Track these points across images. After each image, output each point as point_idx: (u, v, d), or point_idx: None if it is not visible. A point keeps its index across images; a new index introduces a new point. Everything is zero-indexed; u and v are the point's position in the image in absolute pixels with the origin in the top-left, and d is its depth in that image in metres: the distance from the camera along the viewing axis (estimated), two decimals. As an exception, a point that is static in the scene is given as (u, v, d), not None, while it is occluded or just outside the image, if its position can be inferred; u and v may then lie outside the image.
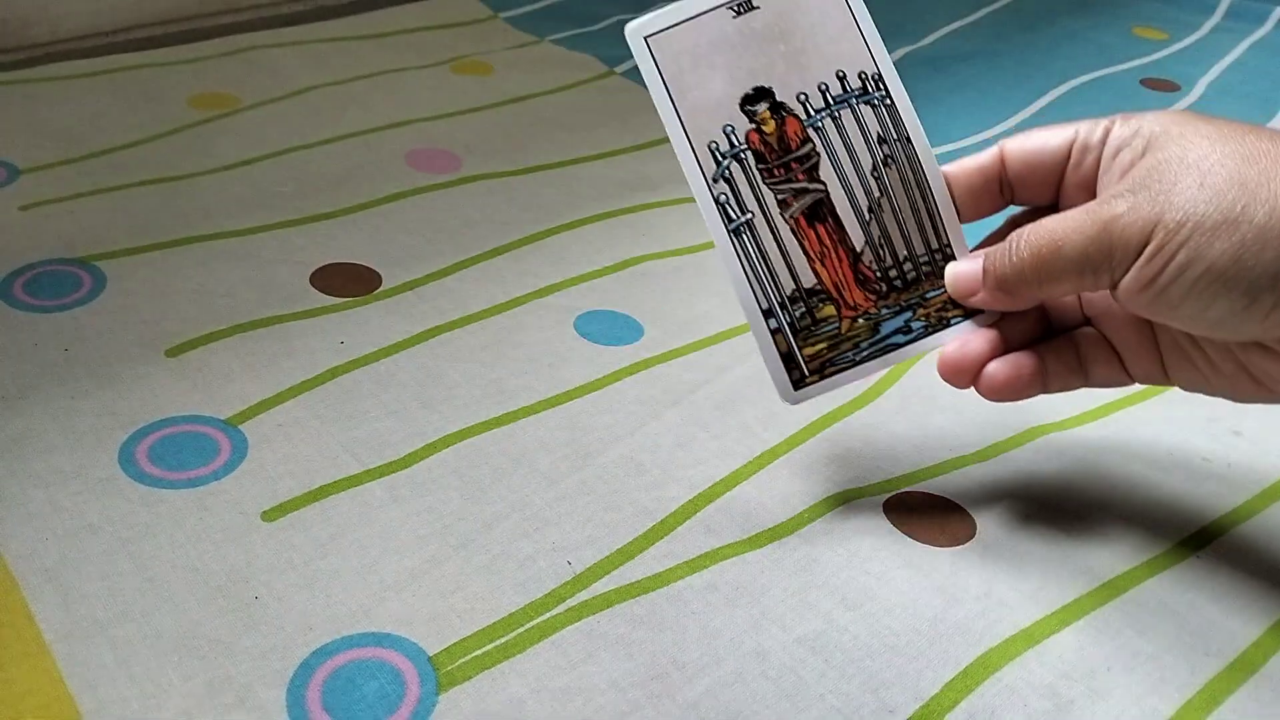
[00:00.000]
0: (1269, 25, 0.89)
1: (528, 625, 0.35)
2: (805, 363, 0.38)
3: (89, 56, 0.68)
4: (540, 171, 0.61)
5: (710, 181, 0.38)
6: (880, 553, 0.39)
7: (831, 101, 0.38)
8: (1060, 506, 0.41)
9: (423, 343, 0.47)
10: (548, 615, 0.35)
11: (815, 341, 0.38)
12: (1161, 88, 0.78)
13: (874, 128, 0.38)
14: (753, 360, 0.48)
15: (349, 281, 0.50)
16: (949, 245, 0.39)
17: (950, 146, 0.68)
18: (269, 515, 0.38)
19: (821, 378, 0.39)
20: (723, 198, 0.38)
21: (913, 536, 0.39)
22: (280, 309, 0.48)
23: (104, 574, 0.35)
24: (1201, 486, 0.42)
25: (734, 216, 0.38)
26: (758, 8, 0.38)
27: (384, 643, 0.34)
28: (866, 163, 0.39)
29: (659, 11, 0.38)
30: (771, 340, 0.38)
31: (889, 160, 0.39)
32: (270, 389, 0.43)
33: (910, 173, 0.39)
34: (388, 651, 0.34)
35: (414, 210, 0.56)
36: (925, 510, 0.40)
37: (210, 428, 0.41)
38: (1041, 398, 0.38)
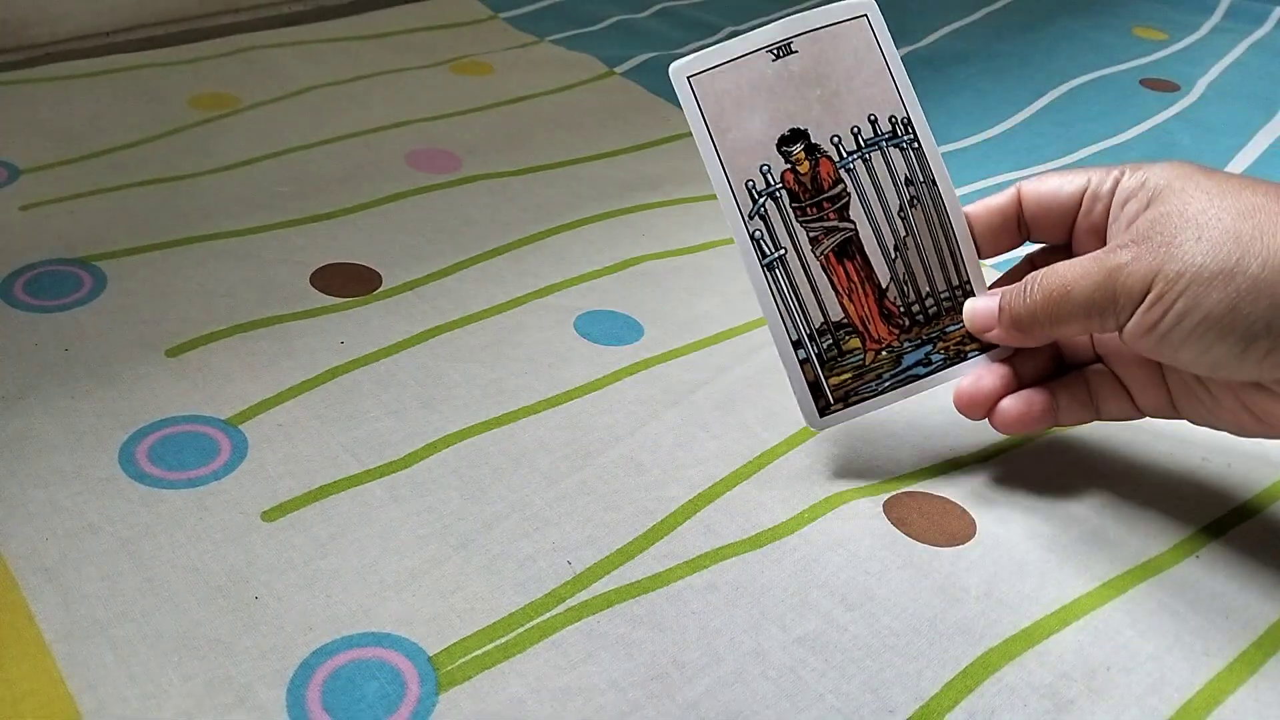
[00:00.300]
0: (1269, 25, 0.89)
1: (528, 625, 0.35)
2: (831, 392, 0.40)
3: (89, 56, 0.68)
4: (540, 171, 0.61)
5: (747, 218, 0.39)
6: (880, 553, 0.39)
7: (863, 144, 0.40)
8: (1060, 507, 0.41)
9: (423, 343, 0.47)
10: (548, 615, 0.35)
11: (841, 372, 0.40)
12: (1161, 88, 0.78)
13: (902, 170, 0.40)
14: (753, 360, 0.48)
15: (349, 281, 0.50)
16: (969, 283, 0.41)
17: (951, 146, 0.68)
18: (269, 515, 0.38)
19: (846, 406, 0.41)
20: (758, 234, 0.39)
21: (913, 536, 0.39)
22: (280, 309, 0.48)
23: (104, 574, 0.35)
24: (1201, 487, 0.42)
25: (768, 252, 0.39)
26: (796, 52, 0.39)
27: (384, 643, 0.34)
28: (894, 203, 0.40)
29: (702, 53, 0.39)
30: (800, 370, 0.40)
31: (915, 201, 0.40)
32: (270, 389, 0.43)
33: (935, 213, 0.40)
34: (388, 651, 0.34)
35: (414, 210, 0.56)
36: (925, 510, 0.40)
37: (210, 428, 0.41)
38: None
